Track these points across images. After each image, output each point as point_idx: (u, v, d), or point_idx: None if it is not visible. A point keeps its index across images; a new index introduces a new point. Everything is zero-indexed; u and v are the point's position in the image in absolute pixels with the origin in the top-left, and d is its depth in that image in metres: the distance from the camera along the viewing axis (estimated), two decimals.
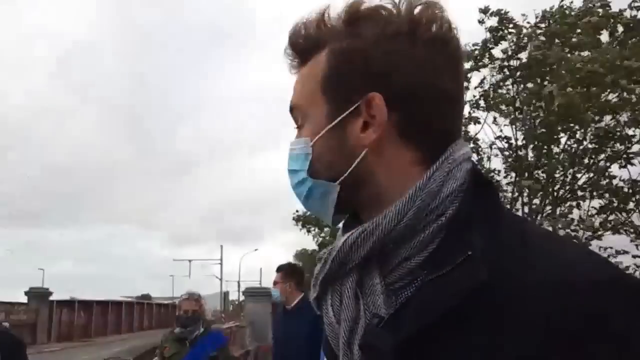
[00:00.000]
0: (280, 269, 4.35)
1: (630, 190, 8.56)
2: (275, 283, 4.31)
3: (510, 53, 9.20)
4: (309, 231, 12.41)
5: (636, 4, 8.25)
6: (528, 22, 9.23)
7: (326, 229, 12.04)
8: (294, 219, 12.41)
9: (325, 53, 0.69)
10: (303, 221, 12.27)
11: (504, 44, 9.18)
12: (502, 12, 9.18)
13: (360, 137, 0.68)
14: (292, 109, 0.75)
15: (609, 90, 7.79)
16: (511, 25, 9.18)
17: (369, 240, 0.64)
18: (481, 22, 9.36)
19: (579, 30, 8.51)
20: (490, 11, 9.24)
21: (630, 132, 8.40)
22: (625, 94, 7.59)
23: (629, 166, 8.46)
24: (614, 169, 8.68)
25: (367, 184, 0.68)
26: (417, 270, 0.63)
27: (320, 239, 12.40)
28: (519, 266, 0.57)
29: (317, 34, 0.70)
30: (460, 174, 0.66)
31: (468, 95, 9.01)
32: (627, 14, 8.38)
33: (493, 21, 9.28)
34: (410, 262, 0.64)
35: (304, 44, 0.72)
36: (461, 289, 0.57)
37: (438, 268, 0.60)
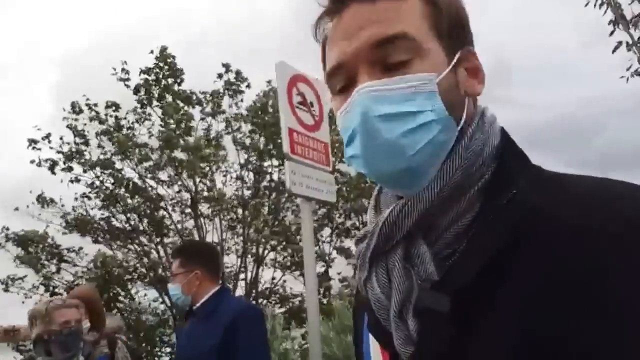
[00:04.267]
0: (177, 252, 2.73)
1: None
2: (172, 275, 2.57)
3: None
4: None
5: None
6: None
7: None
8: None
9: None
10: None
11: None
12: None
13: (474, 85, 0.68)
14: (396, 38, 0.63)
15: None
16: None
17: (416, 209, 0.62)
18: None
19: None
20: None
21: None
22: None
23: None
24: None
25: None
26: (462, 235, 0.61)
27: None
28: (566, 207, 0.56)
29: None
30: (498, 132, 0.67)
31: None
32: None
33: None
34: (457, 225, 0.61)
35: None
36: (506, 228, 0.57)
37: (482, 223, 0.59)
